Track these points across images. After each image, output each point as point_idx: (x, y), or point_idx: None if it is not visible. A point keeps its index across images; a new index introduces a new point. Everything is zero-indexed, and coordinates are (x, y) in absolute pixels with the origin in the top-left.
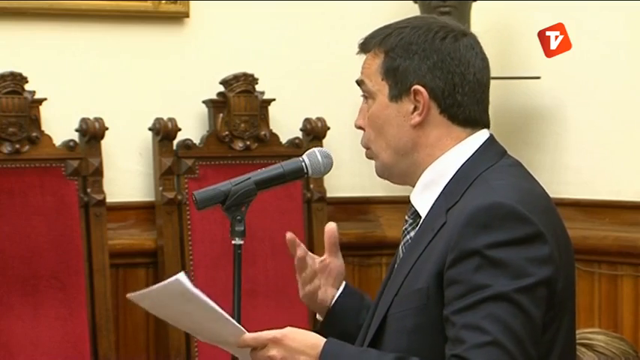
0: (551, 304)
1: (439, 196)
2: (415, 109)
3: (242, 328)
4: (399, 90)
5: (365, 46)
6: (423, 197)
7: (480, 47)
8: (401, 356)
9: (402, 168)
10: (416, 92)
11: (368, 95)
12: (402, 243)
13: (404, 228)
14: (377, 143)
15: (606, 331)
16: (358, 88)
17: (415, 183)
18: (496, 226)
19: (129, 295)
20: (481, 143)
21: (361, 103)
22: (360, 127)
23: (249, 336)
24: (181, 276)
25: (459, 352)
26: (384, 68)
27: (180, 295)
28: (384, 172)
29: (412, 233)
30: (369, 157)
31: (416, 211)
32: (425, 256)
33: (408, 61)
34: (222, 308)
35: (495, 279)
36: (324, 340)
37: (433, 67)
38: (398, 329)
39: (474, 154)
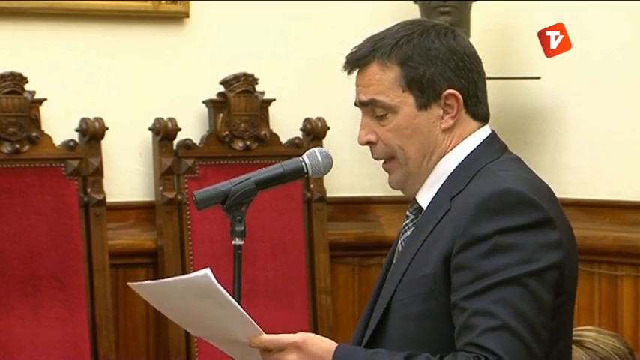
0: (561, 290)
1: (442, 186)
2: (445, 112)
3: (260, 328)
4: (427, 98)
5: (363, 61)
6: (429, 193)
7: None
8: (411, 354)
9: (424, 170)
10: (448, 97)
11: (386, 110)
12: (402, 238)
13: (405, 223)
14: (406, 152)
15: (599, 329)
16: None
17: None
18: (507, 212)
19: (133, 285)
20: (484, 138)
21: (362, 118)
22: (368, 143)
23: (266, 337)
24: (208, 271)
25: (470, 339)
26: (405, 79)
27: (200, 290)
28: (406, 181)
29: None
30: (389, 170)
31: (419, 207)
32: (429, 243)
33: (433, 68)
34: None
35: (505, 264)
36: (336, 344)
37: (456, 68)
38: (404, 316)
39: (476, 147)
